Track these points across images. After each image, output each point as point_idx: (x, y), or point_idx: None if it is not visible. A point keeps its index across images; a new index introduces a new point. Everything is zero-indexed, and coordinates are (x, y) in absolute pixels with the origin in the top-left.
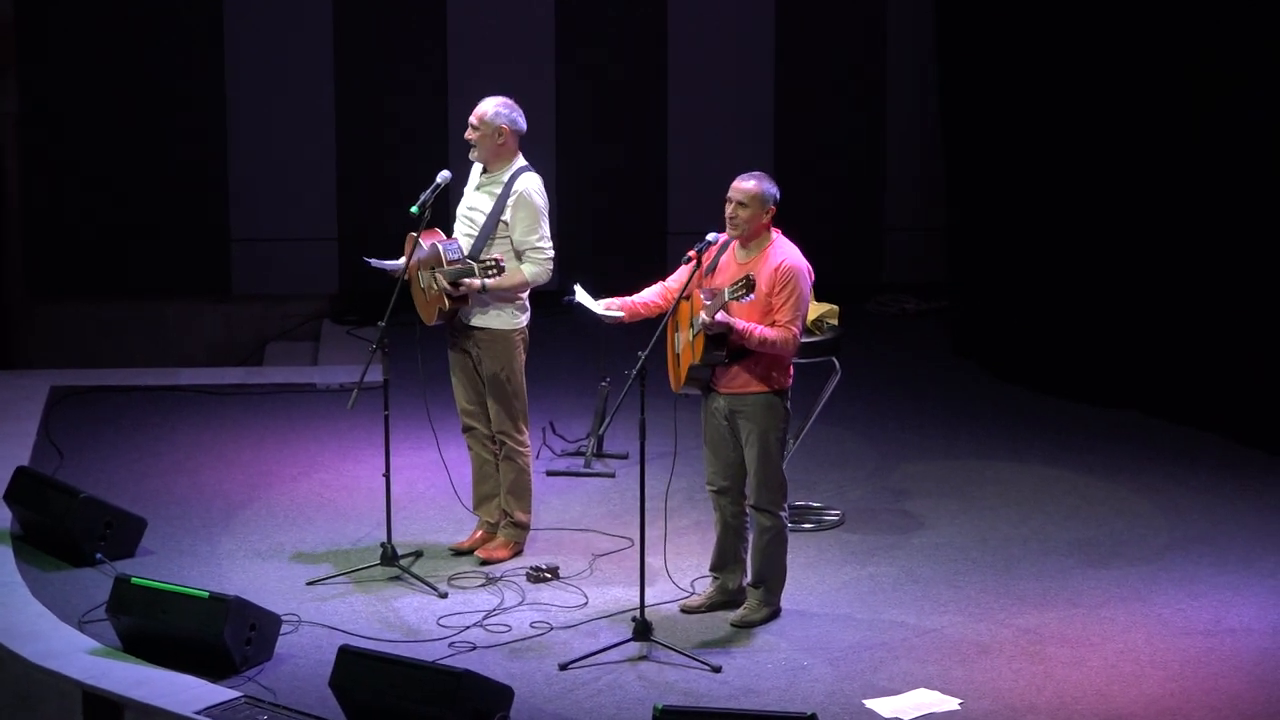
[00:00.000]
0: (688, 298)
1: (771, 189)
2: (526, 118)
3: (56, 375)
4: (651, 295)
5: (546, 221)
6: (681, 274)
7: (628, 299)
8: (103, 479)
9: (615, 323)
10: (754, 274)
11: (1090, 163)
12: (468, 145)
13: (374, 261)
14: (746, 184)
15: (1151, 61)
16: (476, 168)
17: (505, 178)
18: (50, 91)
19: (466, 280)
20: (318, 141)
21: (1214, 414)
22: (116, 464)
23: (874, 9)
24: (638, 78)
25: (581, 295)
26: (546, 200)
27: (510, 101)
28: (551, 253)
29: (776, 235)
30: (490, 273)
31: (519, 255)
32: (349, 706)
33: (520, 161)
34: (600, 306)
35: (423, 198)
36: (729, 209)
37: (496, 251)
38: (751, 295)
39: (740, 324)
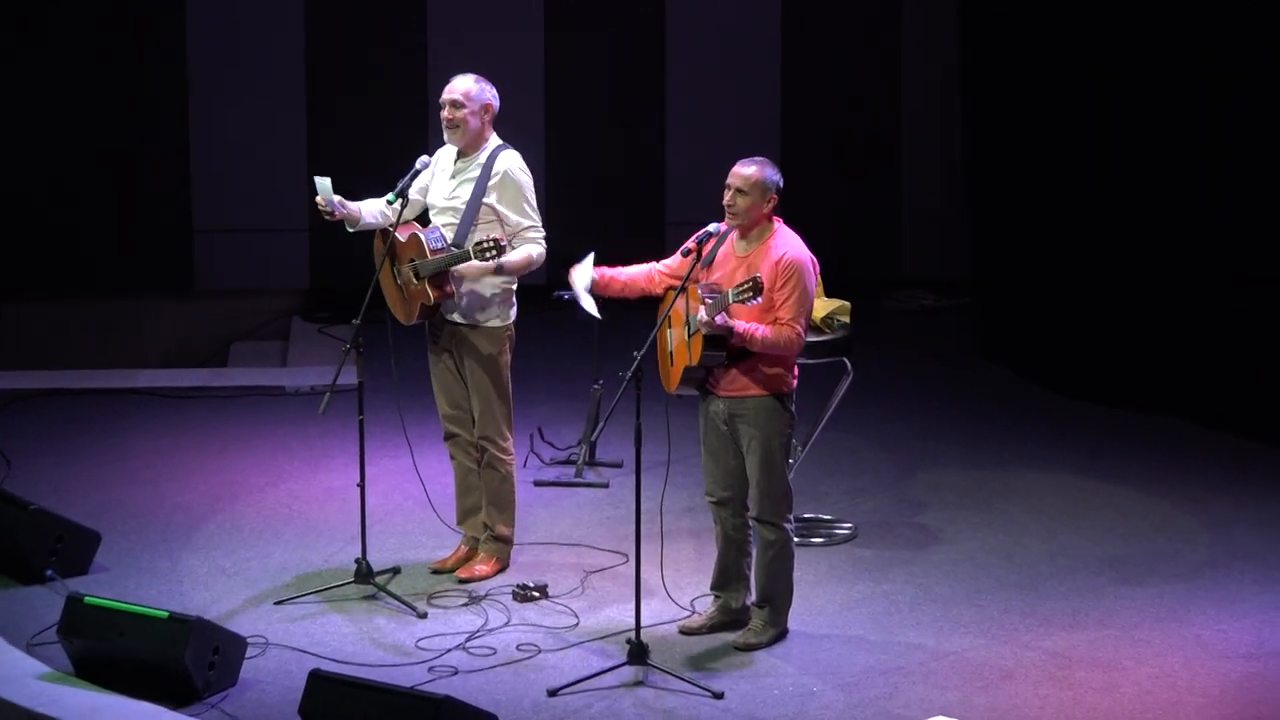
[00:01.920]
0: (683, 291)
1: (773, 175)
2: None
3: (4, 377)
4: (636, 272)
5: (533, 196)
6: (676, 263)
7: (607, 270)
8: (54, 489)
9: (588, 313)
10: (756, 269)
11: (1130, 143)
12: (442, 130)
13: (320, 180)
14: (746, 169)
15: (1197, 37)
16: (447, 155)
17: (483, 159)
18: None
19: (475, 265)
20: (287, 124)
21: (1261, 421)
22: (69, 473)
23: None
24: (634, 56)
25: (579, 277)
26: (530, 176)
27: (484, 78)
28: (543, 230)
29: (779, 226)
30: (490, 254)
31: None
32: None
33: (495, 139)
34: (585, 292)
35: (400, 185)
36: (727, 196)
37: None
38: (758, 299)
39: (742, 326)
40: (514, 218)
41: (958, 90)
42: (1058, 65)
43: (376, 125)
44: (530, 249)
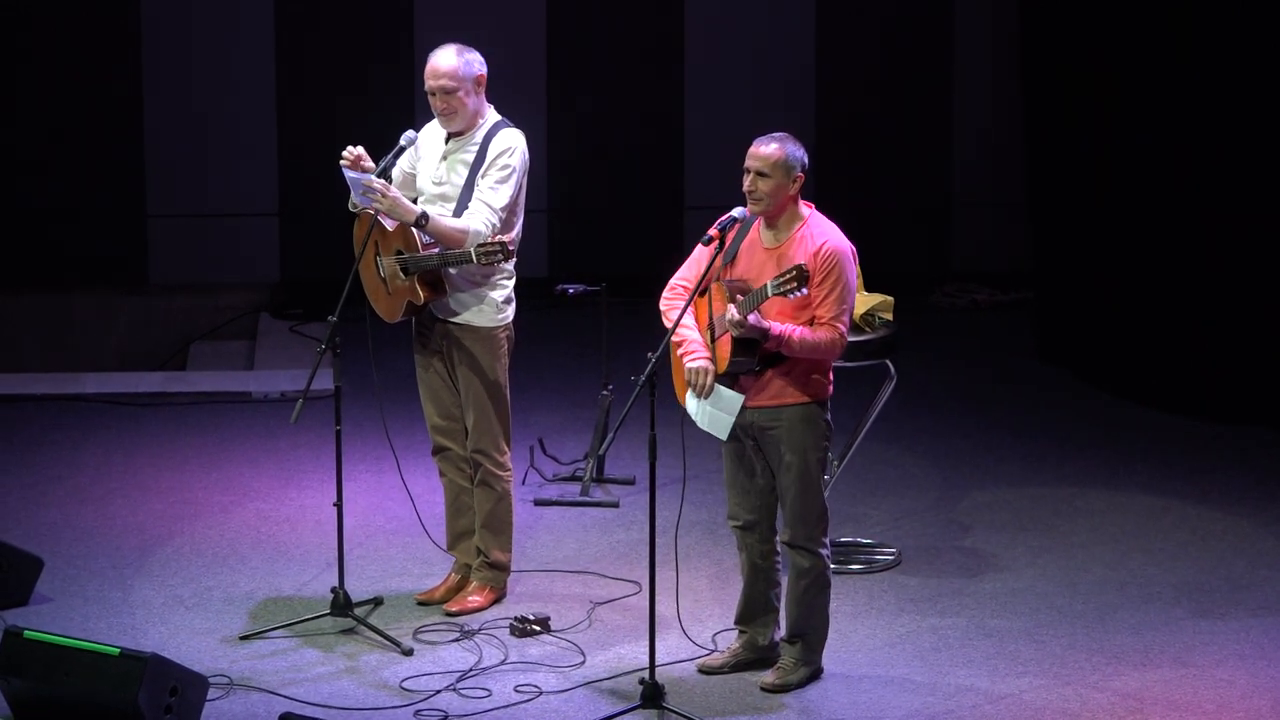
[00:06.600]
0: (704, 293)
1: (797, 152)
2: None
3: None
4: (688, 318)
5: (517, 185)
6: (697, 256)
7: (690, 339)
8: None
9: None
10: (790, 264)
11: (1212, 120)
12: (428, 110)
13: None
14: (766, 148)
15: None
16: (436, 134)
17: (478, 137)
18: None
19: (401, 207)
20: (255, 97)
21: None
22: (7, 491)
23: None
24: (648, 23)
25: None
26: (527, 162)
27: (463, 45)
28: (499, 222)
29: (810, 212)
30: (496, 258)
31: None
32: None
33: (493, 114)
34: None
35: (383, 163)
36: (747, 181)
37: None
38: (803, 290)
39: (778, 327)
40: (484, 186)
41: (1018, 60)
42: (1136, 29)
43: (356, 99)
44: (473, 222)
